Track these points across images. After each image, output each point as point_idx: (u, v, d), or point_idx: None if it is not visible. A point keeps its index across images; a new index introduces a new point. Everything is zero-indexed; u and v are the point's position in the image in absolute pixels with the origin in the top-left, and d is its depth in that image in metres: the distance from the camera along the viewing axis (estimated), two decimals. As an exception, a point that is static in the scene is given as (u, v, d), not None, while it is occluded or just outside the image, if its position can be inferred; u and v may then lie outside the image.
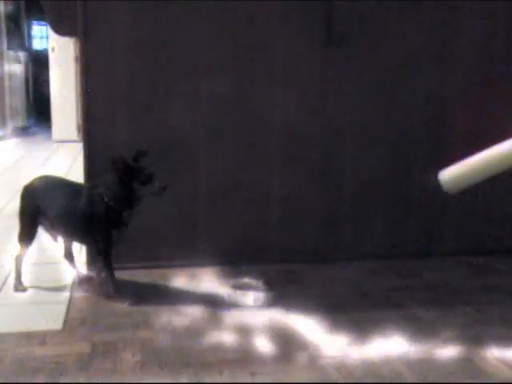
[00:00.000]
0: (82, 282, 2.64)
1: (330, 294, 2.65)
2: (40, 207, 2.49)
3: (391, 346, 2.13)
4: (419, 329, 2.28)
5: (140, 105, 2.82)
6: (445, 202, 3.19)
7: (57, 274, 2.80)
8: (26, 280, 2.60)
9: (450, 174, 2.28)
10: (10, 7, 8.84)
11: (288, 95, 2.94)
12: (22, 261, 2.57)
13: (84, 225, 2.46)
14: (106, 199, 2.42)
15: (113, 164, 2.41)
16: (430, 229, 3.20)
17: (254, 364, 1.98)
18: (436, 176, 2.30)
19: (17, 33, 9.27)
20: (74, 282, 2.69)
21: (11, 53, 8.76)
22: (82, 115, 2.86)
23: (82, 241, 2.63)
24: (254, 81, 2.91)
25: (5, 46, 8.42)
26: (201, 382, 1.87)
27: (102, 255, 2.48)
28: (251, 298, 2.48)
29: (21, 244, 2.54)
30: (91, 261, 2.71)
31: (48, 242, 2.70)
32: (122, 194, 2.42)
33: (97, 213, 2.42)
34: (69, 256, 2.69)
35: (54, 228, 2.54)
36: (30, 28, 11.11)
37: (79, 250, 2.90)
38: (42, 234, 2.60)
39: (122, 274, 2.80)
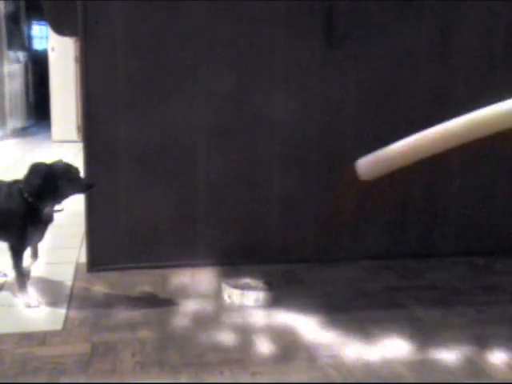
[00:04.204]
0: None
1: (329, 293, 2.65)
2: None
3: (391, 345, 2.13)
4: (419, 329, 2.28)
5: (140, 105, 2.82)
6: (445, 202, 3.20)
7: (56, 273, 2.81)
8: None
9: (366, 163, 2.39)
10: (10, 7, 8.84)
11: (288, 95, 2.94)
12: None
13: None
14: (25, 195, 2.38)
15: (35, 166, 2.40)
16: (430, 229, 3.20)
17: (254, 364, 1.98)
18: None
19: (17, 33, 9.28)
20: (74, 282, 2.70)
21: (11, 53, 8.76)
22: (81, 115, 2.86)
23: None
24: (254, 81, 2.90)
25: (5, 46, 8.42)
26: (201, 382, 1.87)
27: (12, 251, 2.43)
28: (251, 297, 2.48)
29: None
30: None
31: (49, 242, 2.71)
32: (42, 191, 2.38)
33: (13, 208, 2.38)
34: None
35: None
36: (30, 28, 11.12)
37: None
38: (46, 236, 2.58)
39: (121, 274, 2.81)
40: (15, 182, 2.46)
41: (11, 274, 2.55)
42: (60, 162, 2.46)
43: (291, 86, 2.94)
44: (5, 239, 2.46)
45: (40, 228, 2.48)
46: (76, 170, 2.45)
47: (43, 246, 2.67)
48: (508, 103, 2.09)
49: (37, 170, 2.41)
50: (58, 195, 2.42)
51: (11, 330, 2.22)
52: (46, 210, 2.43)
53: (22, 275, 2.46)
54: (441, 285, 2.80)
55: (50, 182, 2.38)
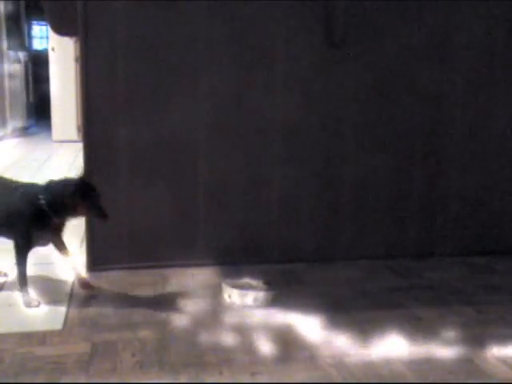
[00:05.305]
0: (82, 283, 2.62)
1: (329, 293, 2.65)
2: None
3: (391, 345, 2.13)
4: (419, 329, 2.28)
5: (140, 105, 2.82)
6: (445, 202, 3.20)
7: (57, 273, 2.81)
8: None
9: None
10: (10, 7, 8.83)
11: (288, 95, 2.94)
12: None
13: (9, 217, 2.43)
14: (41, 201, 2.37)
15: (66, 182, 2.42)
16: (430, 229, 3.20)
17: (254, 364, 1.98)
18: None
19: (17, 33, 9.26)
20: (73, 282, 2.70)
21: (11, 53, 8.75)
22: (81, 115, 2.86)
23: (4, 233, 2.54)
24: (255, 81, 2.91)
25: (5, 46, 8.41)
26: (201, 382, 1.87)
27: (16, 250, 2.43)
28: (251, 297, 2.48)
29: None
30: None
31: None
32: (62, 206, 2.39)
33: (24, 210, 2.39)
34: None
35: None
36: (30, 28, 11.11)
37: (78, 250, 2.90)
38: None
39: (122, 274, 2.81)
40: (33, 185, 2.47)
41: (12, 274, 2.55)
42: (87, 182, 2.45)
43: (291, 86, 2.94)
44: (11, 237, 2.47)
45: (48, 233, 2.48)
46: (98, 195, 2.44)
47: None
48: None
49: (66, 186, 2.40)
50: (76, 214, 2.45)
51: (11, 329, 2.22)
52: (58, 219, 2.44)
53: (24, 274, 2.46)
54: (441, 285, 2.80)
55: (72, 202, 2.39)
